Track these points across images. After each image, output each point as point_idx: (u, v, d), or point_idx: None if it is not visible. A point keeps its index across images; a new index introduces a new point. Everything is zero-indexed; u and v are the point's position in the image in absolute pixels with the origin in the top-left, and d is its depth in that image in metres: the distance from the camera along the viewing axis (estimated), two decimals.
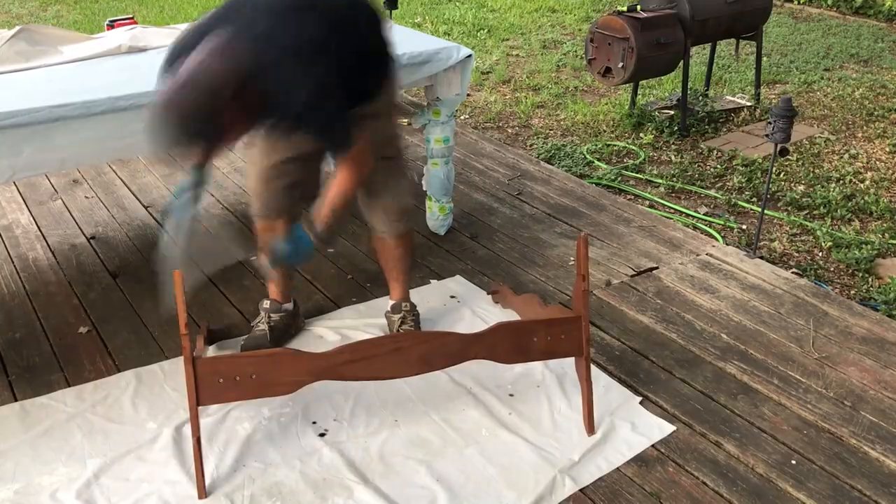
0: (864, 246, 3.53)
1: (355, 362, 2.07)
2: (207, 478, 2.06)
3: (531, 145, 4.75)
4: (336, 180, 2.12)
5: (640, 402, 2.37)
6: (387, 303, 2.70)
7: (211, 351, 2.59)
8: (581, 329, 2.20)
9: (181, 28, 3.49)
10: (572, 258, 3.20)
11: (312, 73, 1.92)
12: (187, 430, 2.18)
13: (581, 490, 2.05)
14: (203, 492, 2.01)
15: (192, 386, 1.95)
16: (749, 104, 5.30)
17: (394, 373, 2.14)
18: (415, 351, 2.11)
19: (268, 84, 1.86)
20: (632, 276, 3.09)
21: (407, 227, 2.55)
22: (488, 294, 2.92)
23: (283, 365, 2.03)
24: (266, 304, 2.62)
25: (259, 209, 2.50)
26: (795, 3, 8.54)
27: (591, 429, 2.23)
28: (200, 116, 1.79)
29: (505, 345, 2.17)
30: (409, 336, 2.35)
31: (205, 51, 1.83)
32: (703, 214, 3.87)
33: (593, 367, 2.47)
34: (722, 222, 3.78)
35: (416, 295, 2.80)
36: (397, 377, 2.20)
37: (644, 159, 4.51)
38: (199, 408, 2.00)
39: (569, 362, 2.43)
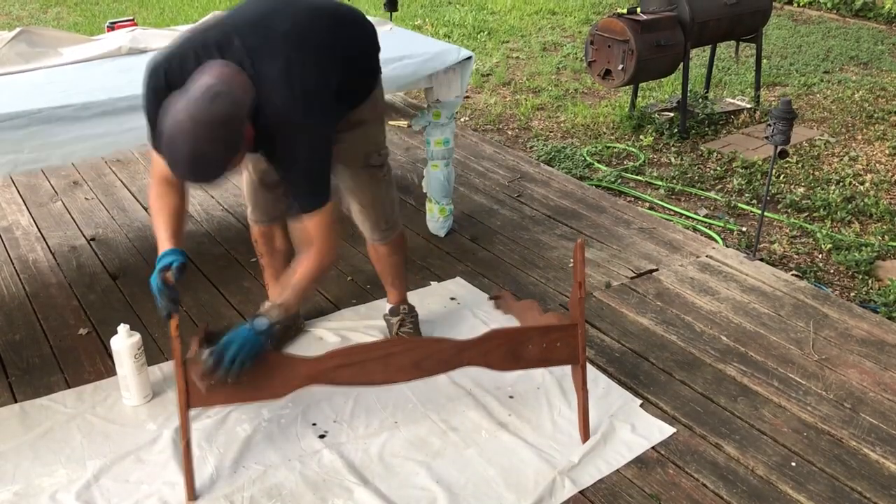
0: (863, 248, 3.53)
1: (347, 367, 2.05)
2: (207, 479, 2.06)
3: (531, 147, 4.76)
4: (303, 263, 2.03)
5: (640, 405, 2.36)
6: (386, 305, 2.70)
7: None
8: (577, 337, 2.16)
9: (181, 30, 3.49)
10: (572, 260, 3.20)
11: (312, 124, 1.91)
12: None
13: (581, 492, 2.04)
14: (192, 495, 2.00)
15: (183, 389, 1.94)
16: (749, 106, 5.30)
17: (386, 378, 2.12)
18: (407, 357, 2.08)
19: (267, 125, 1.85)
20: (632, 277, 3.10)
21: (397, 233, 2.52)
22: (490, 299, 2.91)
23: (274, 369, 2.02)
24: (268, 305, 2.61)
25: (255, 215, 2.51)
26: (795, 5, 8.55)
27: (585, 436, 2.21)
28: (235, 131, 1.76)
29: (499, 351, 2.13)
30: (402, 342, 2.34)
31: (218, 74, 1.77)
32: (703, 216, 3.87)
33: (593, 369, 2.47)
34: (722, 224, 3.78)
35: (416, 297, 2.80)
36: (389, 383, 2.18)
37: (644, 161, 4.51)
38: (201, 409, 1.99)
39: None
